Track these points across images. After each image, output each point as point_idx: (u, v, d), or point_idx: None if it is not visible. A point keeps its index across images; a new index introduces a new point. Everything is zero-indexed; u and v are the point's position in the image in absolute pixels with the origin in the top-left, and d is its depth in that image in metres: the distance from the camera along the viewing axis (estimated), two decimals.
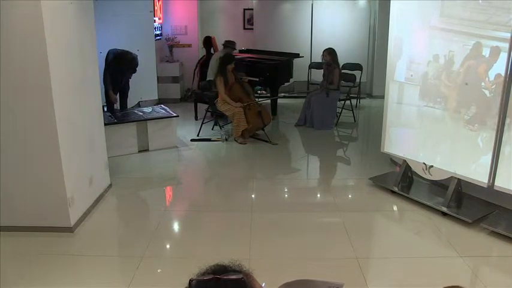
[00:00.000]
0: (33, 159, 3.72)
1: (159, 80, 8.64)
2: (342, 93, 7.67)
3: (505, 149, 3.73)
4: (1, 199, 3.80)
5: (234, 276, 1.04)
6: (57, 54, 3.66)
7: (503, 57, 3.63)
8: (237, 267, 1.10)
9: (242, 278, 1.05)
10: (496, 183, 3.83)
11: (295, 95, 9.46)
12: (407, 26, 4.56)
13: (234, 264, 1.10)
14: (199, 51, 9.45)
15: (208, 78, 7.74)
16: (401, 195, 4.62)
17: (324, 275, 3.33)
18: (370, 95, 9.81)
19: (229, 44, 7.92)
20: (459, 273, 3.35)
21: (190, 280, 1.06)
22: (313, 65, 9.02)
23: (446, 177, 4.28)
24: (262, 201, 4.81)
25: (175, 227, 4.32)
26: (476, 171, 3.97)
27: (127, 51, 6.36)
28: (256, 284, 1.09)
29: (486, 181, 3.87)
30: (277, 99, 8.29)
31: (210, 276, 1.04)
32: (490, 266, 3.58)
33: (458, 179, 4.16)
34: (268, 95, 8.58)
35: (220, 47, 8.37)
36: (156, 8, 8.60)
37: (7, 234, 3.79)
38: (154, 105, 7.41)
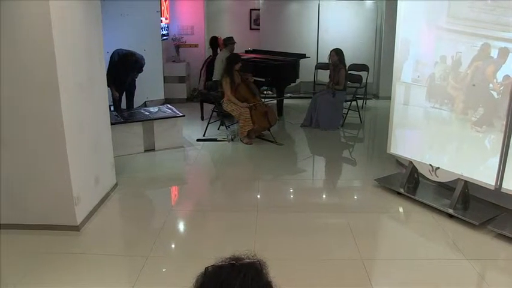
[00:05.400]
0: (40, 158, 3.74)
1: (166, 80, 8.66)
2: (348, 94, 7.65)
3: None
4: (9, 197, 3.82)
5: (249, 260, 1.06)
6: (65, 54, 3.67)
7: None
8: (252, 257, 1.14)
9: (258, 261, 1.06)
10: (503, 186, 3.81)
11: (302, 95, 9.45)
12: (415, 26, 4.54)
13: (248, 255, 1.14)
14: (206, 51, 9.46)
15: (214, 79, 7.75)
16: (407, 196, 4.60)
17: (329, 276, 3.33)
18: (376, 96, 9.78)
19: (229, 42, 7.90)
20: (465, 275, 3.33)
21: (206, 268, 1.07)
22: (320, 66, 8.99)
23: (452, 179, 4.25)
24: (267, 201, 4.81)
25: (181, 226, 4.33)
26: (484, 173, 3.94)
27: (132, 53, 6.36)
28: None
29: (493, 183, 3.84)
30: (283, 99, 8.29)
31: (226, 262, 1.06)
32: (496, 268, 3.55)
33: (465, 180, 4.13)
34: (275, 95, 8.57)
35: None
36: (162, 8, 8.62)
37: (14, 232, 3.82)
38: (161, 105, 7.43)
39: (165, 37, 8.92)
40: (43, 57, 3.51)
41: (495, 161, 3.81)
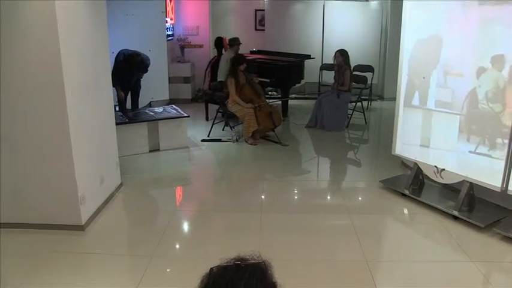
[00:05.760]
0: (46, 157, 3.75)
1: (171, 80, 8.67)
2: (353, 95, 7.64)
3: None
4: (14, 197, 3.84)
5: (254, 261, 1.07)
6: (70, 54, 3.68)
7: None
8: (257, 257, 1.14)
9: (263, 262, 1.07)
10: (509, 188, 3.78)
11: (306, 96, 9.45)
12: (420, 27, 4.52)
13: (253, 256, 1.14)
14: (211, 52, 9.46)
15: (218, 79, 7.76)
16: (412, 198, 4.58)
17: (333, 277, 3.32)
18: (381, 97, 9.76)
19: (234, 42, 7.93)
20: (471, 278, 3.31)
21: (211, 268, 1.08)
22: (325, 67, 8.99)
23: (458, 181, 4.23)
24: (271, 202, 4.81)
25: (185, 226, 4.33)
26: (489, 175, 3.91)
27: (137, 53, 6.37)
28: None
29: (499, 185, 3.82)
30: (288, 100, 8.28)
31: (231, 263, 1.07)
32: (502, 271, 3.53)
33: (471, 182, 4.11)
34: (279, 96, 8.57)
35: None
36: (168, 8, 8.63)
37: (18, 231, 3.83)
38: (166, 105, 7.43)
39: (170, 37, 8.93)
40: (49, 57, 3.52)
41: (501, 162, 3.79)
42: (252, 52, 9.24)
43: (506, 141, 3.72)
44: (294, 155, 6.42)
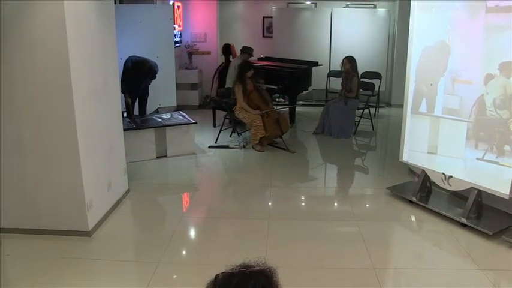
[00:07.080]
0: (54, 163, 3.78)
1: (178, 86, 8.70)
2: (361, 102, 7.63)
3: None
4: (22, 202, 3.86)
5: (259, 268, 1.08)
6: (79, 60, 3.71)
7: None
8: (262, 264, 1.15)
9: (268, 268, 1.07)
10: None
11: (314, 103, 9.45)
12: (427, 34, 4.52)
13: (259, 262, 1.15)
14: (219, 59, 9.51)
15: (227, 86, 7.78)
16: (420, 205, 4.55)
17: (340, 284, 3.30)
18: (389, 104, 9.74)
19: (246, 50, 7.98)
20: (479, 286, 3.28)
21: (216, 275, 1.08)
22: (332, 73, 9.00)
23: (466, 188, 4.20)
24: (279, 209, 4.80)
25: (192, 233, 4.33)
26: (498, 183, 3.89)
27: (145, 60, 6.41)
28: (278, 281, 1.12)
29: (507, 192, 3.79)
30: (295, 107, 8.29)
31: (236, 269, 1.07)
32: (511, 280, 3.49)
33: (478, 190, 4.09)
34: (287, 102, 8.58)
35: (238, 53, 8.41)
36: (176, 15, 8.69)
37: (26, 236, 3.85)
38: (173, 111, 7.46)
39: (178, 44, 8.98)
40: (57, 64, 3.55)
41: (509, 170, 3.77)
42: (259, 59, 9.27)
43: None
44: (301, 161, 6.42)
